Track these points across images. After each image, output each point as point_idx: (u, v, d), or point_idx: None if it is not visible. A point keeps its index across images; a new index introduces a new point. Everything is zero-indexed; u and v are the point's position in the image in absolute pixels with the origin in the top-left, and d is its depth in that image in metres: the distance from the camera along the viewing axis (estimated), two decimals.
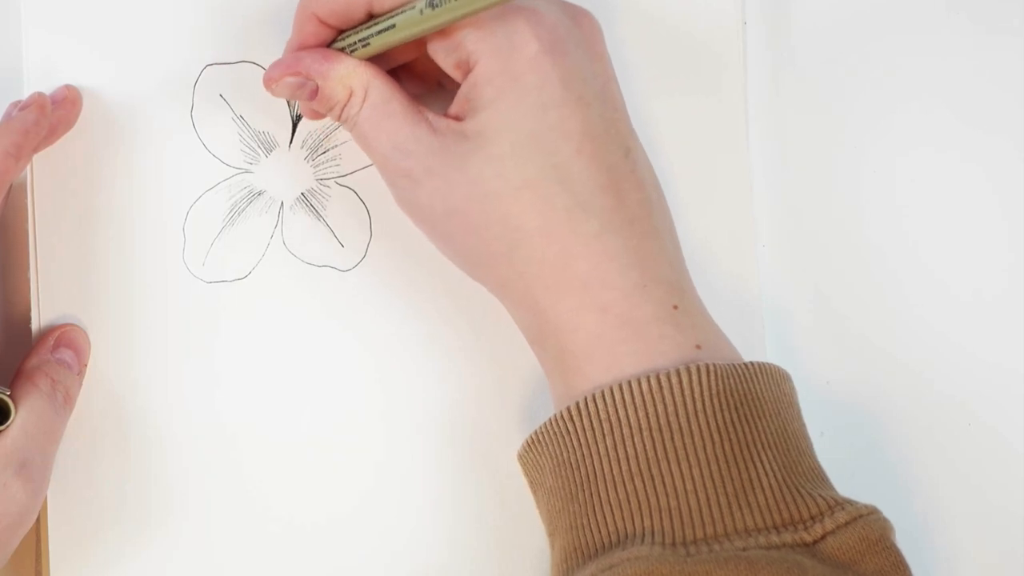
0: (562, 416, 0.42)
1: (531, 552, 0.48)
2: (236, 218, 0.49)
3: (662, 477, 0.40)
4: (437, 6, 0.41)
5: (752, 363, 0.42)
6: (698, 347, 0.42)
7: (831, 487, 0.42)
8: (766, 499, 0.40)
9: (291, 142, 0.49)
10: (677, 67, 0.50)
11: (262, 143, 0.49)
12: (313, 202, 0.49)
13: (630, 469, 0.40)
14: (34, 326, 0.48)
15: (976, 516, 0.49)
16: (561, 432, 0.42)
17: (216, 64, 0.49)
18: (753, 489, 0.40)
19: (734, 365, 0.41)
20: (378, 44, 0.43)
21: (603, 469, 0.40)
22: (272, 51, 0.49)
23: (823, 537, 0.39)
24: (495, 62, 0.42)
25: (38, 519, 0.47)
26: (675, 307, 0.42)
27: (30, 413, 0.44)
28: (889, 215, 0.51)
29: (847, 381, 0.50)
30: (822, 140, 0.51)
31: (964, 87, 0.51)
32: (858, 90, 0.51)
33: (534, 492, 0.44)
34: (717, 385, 0.40)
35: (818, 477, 0.42)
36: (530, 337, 0.44)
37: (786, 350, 0.50)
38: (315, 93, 0.44)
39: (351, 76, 0.44)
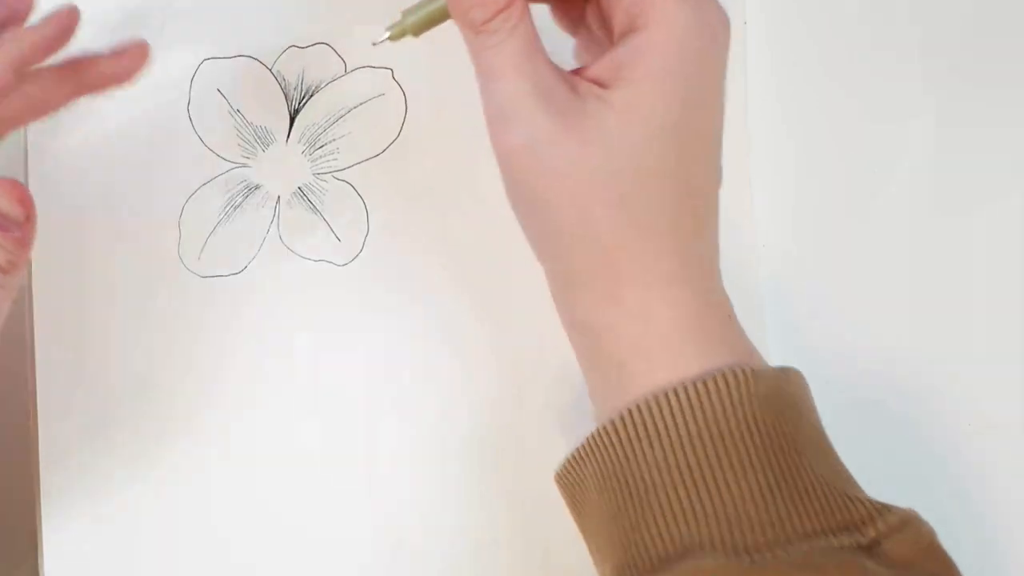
0: (609, 428, 0.39)
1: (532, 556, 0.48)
2: (232, 212, 0.49)
3: (716, 483, 0.38)
4: None
5: (780, 367, 0.41)
6: (740, 356, 0.40)
7: (861, 489, 0.41)
8: (820, 503, 0.38)
9: (288, 136, 0.49)
10: None
11: (259, 137, 0.49)
12: (310, 196, 0.49)
13: (681, 477, 0.38)
14: (30, 320, 0.48)
15: (976, 517, 0.49)
16: (607, 444, 0.40)
17: (213, 58, 0.49)
18: (807, 492, 0.38)
19: (772, 368, 0.40)
20: None
21: (653, 477, 0.38)
22: (269, 45, 0.49)
23: (877, 541, 0.38)
24: (672, 34, 0.38)
25: (35, 510, 0.47)
26: (729, 316, 0.41)
27: None
28: (889, 214, 0.51)
29: (847, 381, 0.50)
30: (822, 140, 0.51)
31: (965, 87, 0.51)
32: (858, 89, 0.51)
33: (577, 514, 0.42)
34: (762, 388, 0.39)
35: (851, 479, 0.41)
36: (584, 322, 0.41)
37: (786, 350, 0.50)
38: None
39: None
